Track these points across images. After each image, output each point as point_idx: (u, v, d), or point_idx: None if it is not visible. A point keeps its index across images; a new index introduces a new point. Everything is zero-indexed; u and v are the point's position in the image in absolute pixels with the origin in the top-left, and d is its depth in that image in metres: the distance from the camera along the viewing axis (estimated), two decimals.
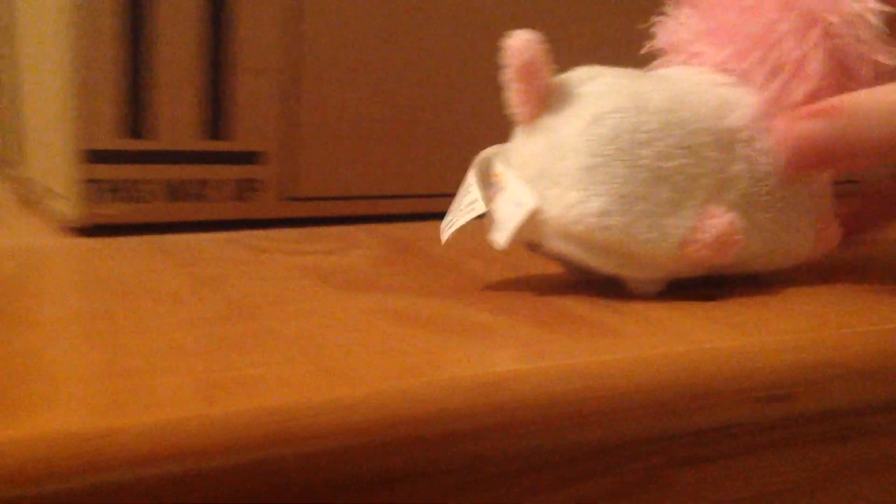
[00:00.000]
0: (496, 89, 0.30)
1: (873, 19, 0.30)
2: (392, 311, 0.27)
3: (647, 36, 0.35)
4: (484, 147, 0.31)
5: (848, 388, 0.25)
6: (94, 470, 0.17)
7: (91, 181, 0.40)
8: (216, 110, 0.41)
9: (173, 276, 0.32)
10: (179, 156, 0.41)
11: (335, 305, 0.28)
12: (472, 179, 0.31)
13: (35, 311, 0.26)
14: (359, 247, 0.39)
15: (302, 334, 0.25)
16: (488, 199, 0.30)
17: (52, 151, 0.43)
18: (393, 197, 0.44)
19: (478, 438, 0.22)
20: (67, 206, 0.40)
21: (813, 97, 0.29)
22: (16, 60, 0.52)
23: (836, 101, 0.29)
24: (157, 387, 0.20)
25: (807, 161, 0.29)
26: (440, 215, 0.31)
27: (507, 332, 0.26)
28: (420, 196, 0.44)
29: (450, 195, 0.31)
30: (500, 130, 0.31)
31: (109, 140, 0.40)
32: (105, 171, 0.40)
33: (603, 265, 0.29)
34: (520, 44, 0.28)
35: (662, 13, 0.34)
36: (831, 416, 0.26)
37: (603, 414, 0.23)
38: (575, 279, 0.31)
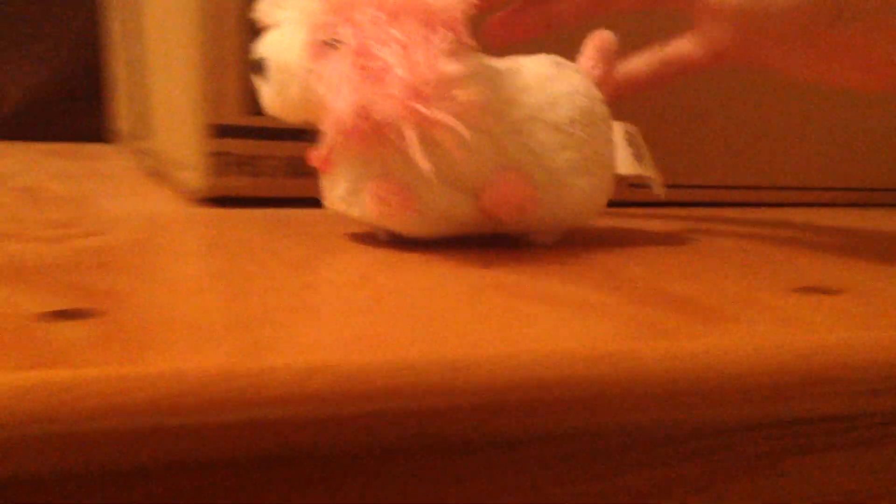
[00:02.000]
0: None
1: None
2: (500, 286, 0.28)
3: None
4: None
5: None
6: (242, 406, 0.19)
7: (217, 154, 0.42)
8: None
9: (296, 245, 0.33)
10: (300, 133, 0.43)
11: (442, 278, 0.29)
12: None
13: (171, 269, 0.28)
14: None
15: (409, 300, 0.26)
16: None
17: (179, 126, 0.45)
18: None
19: (587, 410, 0.22)
20: (194, 177, 0.42)
21: None
22: (142, 37, 0.55)
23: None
24: (297, 336, 0.21)
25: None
26: None
27: (614, 311, 0.26)
28: None
29: None
30: None
31: (235, 116, 0.42)
32: (230, 145, 0.42)
33: None
34: None
35: None
36: None
37: (714, 394, 0.24)
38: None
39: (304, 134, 0.43)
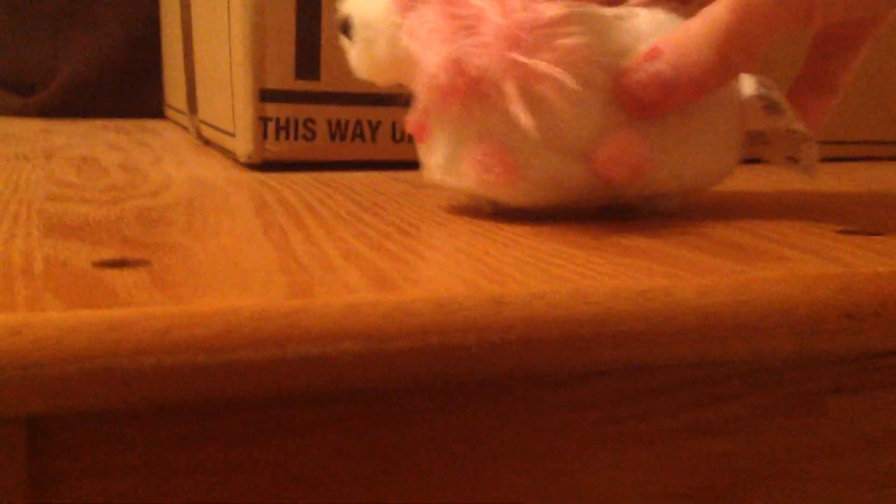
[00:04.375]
0: None
1: None
2: (546, 233, 0.29)
3: None
4: None
5: None
6: (287, 342, 0.19)
7: (262, 119, 0.43)
8: None
9: (335, 204, 0.34)
10: (345, 97, 0.43)
11: (490, 228, 0.30)
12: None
13: (219, 224, 0.29)
14: None
15: (457, 248, 0.26)
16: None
17: (227, 93, 0.46)
18: None
19: (631, 344, 0.23)
20: (242, 144, 0.43)
21: None
22: (190, 9, 0.56)
23: (656, 43, 0.30)
24: (333, 280, 0.22)
25: (657, 100, 0.30)
26: None
27: (662, 253, 0.27)
28: None
29: None
30: None
31: (281, 81, 0.43)
32: (276, 109, 0.43)
33: None
34: None
35: None
36: None
37: (755, 329, 0.24)
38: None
39: (348, 97, 0.43)
